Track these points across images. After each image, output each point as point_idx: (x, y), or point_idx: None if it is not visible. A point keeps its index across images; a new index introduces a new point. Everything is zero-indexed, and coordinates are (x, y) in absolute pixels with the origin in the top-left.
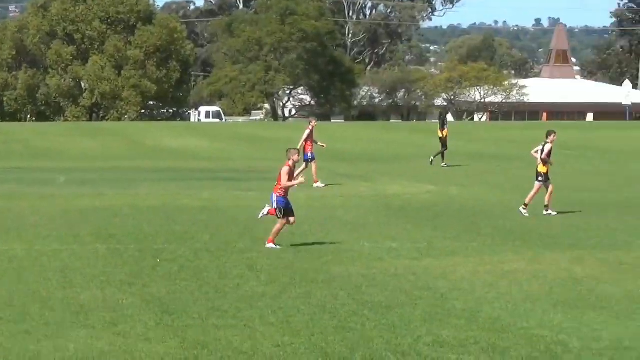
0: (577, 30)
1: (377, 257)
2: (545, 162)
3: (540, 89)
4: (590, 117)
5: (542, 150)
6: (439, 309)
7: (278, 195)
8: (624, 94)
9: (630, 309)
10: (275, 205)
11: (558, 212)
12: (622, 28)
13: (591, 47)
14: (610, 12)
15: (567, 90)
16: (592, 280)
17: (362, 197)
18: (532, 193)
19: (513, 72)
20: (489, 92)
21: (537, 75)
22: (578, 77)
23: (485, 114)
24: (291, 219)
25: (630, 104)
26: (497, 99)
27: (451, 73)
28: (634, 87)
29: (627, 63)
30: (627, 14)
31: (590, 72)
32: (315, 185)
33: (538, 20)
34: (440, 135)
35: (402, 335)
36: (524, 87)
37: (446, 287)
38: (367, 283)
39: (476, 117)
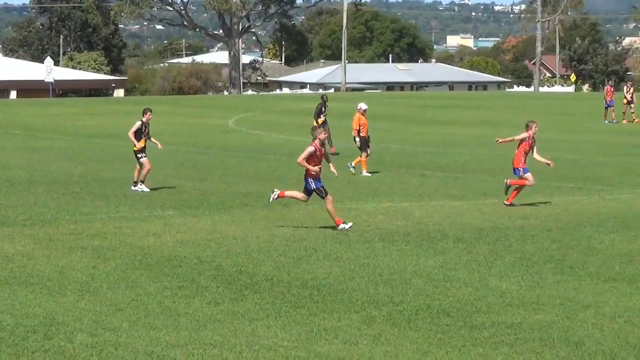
0: None
1: None
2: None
3: None
4: (13, 94)
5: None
6: None
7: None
8: (46, 71)
9: (61, 285)
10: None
11: None
12: (41, 5)
13: (11, 25)
14: None
15: None
16: (23, 257)
17: None
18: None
19: None
20: None
21: None
22: (0, 54)
23: None
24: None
25: (53, 80)
26: None
27: None
28: (56, 64)
29: (48, 40)
30: None
31: (12, 49)
32: None
33: None
34: None
35: None
36: None
37: None
38: None
39: None
